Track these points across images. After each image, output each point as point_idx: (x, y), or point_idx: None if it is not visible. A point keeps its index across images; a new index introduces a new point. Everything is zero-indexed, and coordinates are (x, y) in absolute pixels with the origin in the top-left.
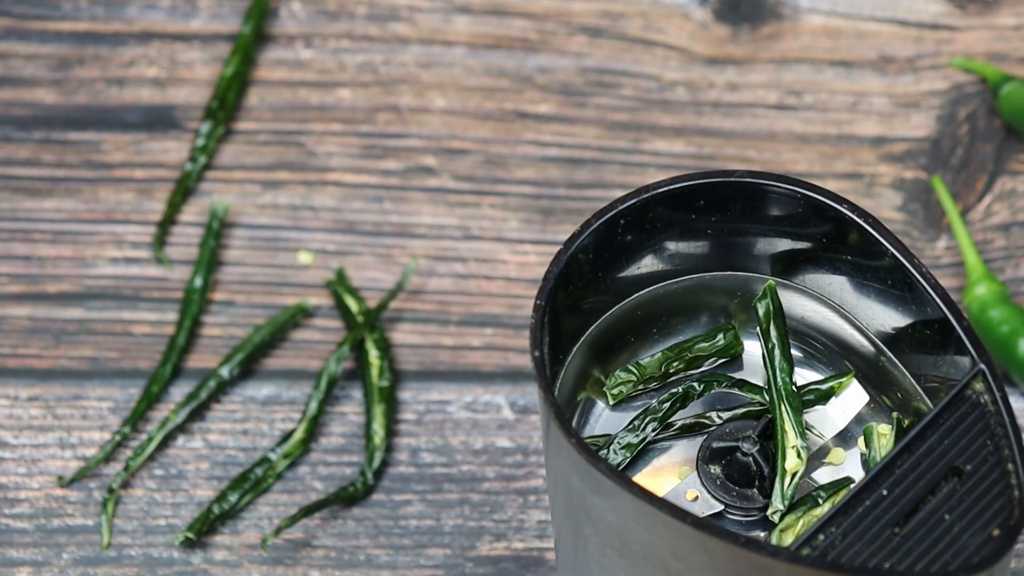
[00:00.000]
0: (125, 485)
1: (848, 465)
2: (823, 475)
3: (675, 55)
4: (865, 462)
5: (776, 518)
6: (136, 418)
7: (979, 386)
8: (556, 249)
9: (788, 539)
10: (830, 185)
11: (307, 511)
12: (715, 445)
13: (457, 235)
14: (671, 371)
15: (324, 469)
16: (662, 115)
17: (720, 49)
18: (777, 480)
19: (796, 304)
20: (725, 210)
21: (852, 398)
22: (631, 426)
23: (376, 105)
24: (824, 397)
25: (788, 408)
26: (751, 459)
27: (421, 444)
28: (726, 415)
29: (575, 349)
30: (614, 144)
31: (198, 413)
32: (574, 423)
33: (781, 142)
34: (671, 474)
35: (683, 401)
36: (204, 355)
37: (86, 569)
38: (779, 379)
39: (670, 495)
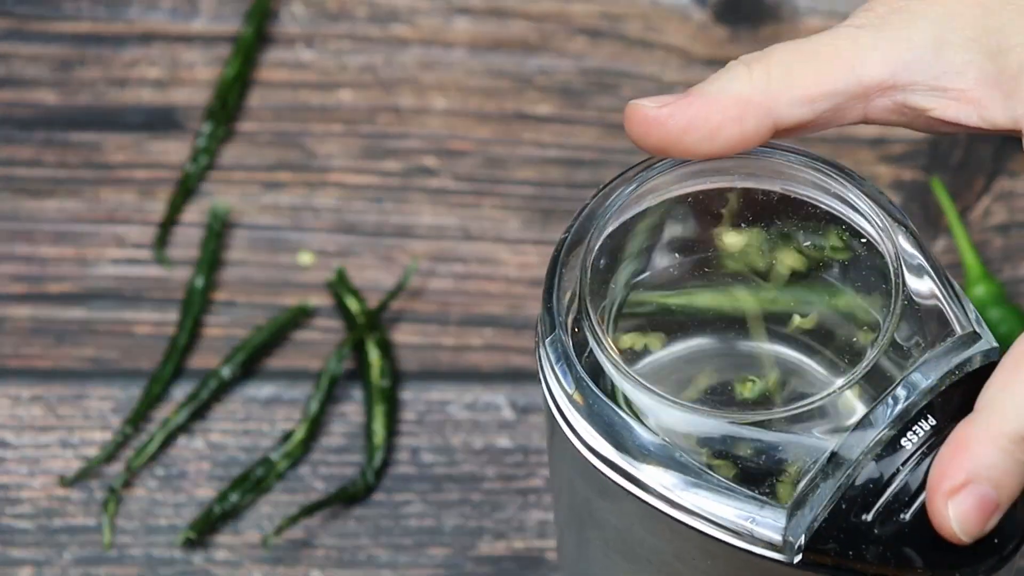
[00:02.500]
0: (126, 485)
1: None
2: None
3: (675, 56)
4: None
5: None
6: (137, 418)
7: None
8: None
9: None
10: None
11: (308, 511)
12: None
13: (457, 235)
14: None
15: (325, 469)
16: None
17: (720, 50)
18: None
19: None
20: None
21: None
22: None
23: (376, 106)
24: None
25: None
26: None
27: (421, 444)
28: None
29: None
30: (614, 145)
31: (199, 413)
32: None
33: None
34: None
35: None
36: (205, 355)
37: (87, 569)
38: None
39: None
